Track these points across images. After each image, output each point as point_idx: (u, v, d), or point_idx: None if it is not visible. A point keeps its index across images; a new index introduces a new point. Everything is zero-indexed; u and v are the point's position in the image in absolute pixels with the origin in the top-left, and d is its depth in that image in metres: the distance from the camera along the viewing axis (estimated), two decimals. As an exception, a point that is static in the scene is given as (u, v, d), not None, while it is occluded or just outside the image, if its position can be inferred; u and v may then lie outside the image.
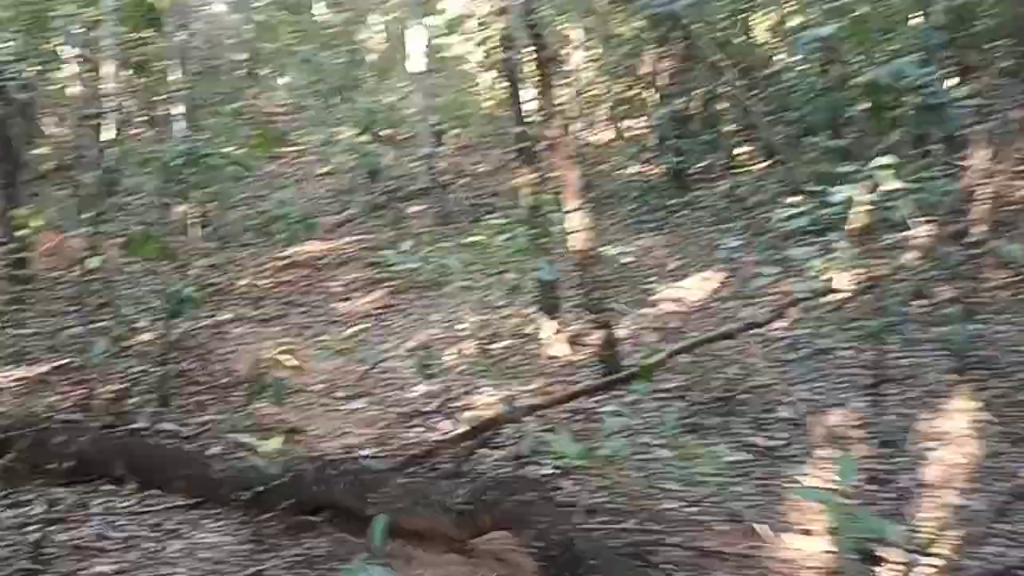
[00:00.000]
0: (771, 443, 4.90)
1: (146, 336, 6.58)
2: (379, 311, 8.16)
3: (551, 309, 6.52)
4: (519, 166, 6.44)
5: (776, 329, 6.24)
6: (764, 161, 10.76)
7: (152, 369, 5.86)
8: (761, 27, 13.64)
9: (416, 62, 11.31)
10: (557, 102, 5.37)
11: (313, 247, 9.99)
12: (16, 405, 5.54)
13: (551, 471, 4.74)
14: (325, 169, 15.59)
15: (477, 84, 14.76)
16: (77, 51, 12.93)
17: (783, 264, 8.00)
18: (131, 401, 5.63)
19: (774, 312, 4.51)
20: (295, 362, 5.74)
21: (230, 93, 16.68)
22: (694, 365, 5.79)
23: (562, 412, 5.50)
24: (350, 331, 4.53)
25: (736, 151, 11.06)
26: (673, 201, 10.12)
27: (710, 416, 5.19)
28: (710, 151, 11.03)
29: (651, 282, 8.29)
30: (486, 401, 5.77)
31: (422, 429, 5.44)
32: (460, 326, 7.18)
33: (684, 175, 10.98)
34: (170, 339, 5.68)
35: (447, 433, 5.13)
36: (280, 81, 23.82)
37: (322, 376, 6.47)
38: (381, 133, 10.70)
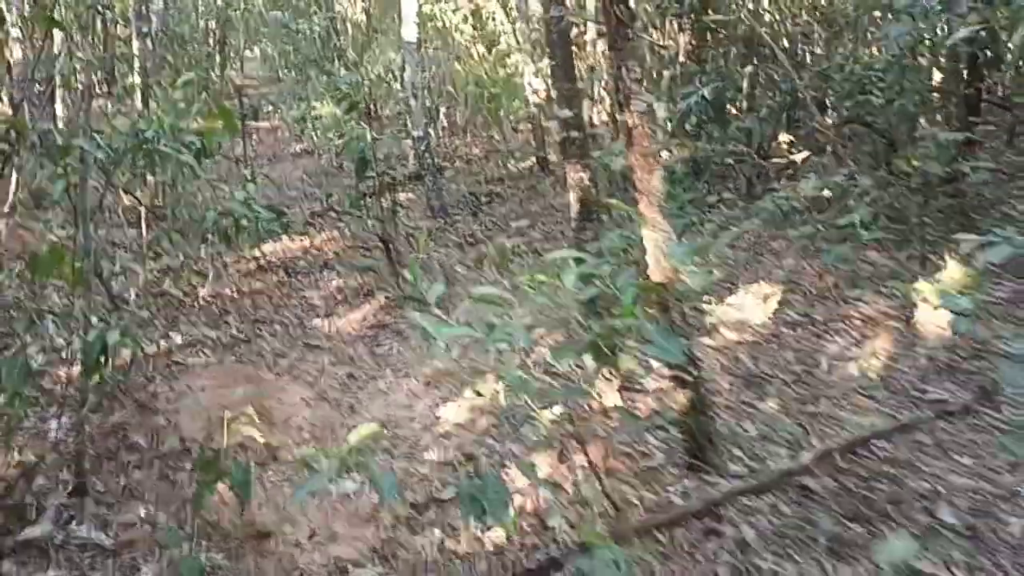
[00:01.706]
0: (945, 573, 3.34)
1: (68, 371, 4.92)
2: (370, 331, 6.47)
3: (599, 348, 4.88)
4: (566, 160, 4.76)
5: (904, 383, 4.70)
6: (808, 152, 9.17)
7: (70, 434, 4.18)
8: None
9: (409, 30, 9.54)
10: (635, 78, 3.70)
11: (288, 245, 8.26)
12: None
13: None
14: (299, 148, 13.84)
15: (492, 59, 12.97)
16: (18, 10, 10.99)
17: (878, 283, 6.47)
18: (37, 484, 3.93)
19: (979, 393, 2.96)
20: (262, 437, 4.08)
21: (195, 64, 14.78)
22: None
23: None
24: (359, 433, 2.77)
25: (777, 139, 9.44)
26: (710, 198, 8.49)
27: (853, 523, 3.61)
28: (743, 140, 9.40)
29: (698, 300, 6.66)
30: (524, 484, 4.15)
31: (439, 532, 3.80)
32: (481, 356, 5.54)
33: (711, 166, 9.34)
34: (89, 399, 3.97)
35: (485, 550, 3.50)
36: (252, 52, 21.84)
37: (302, 433, 4.81)
38: (366, 110, 8.95)
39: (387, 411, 5.10)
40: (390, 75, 12.56)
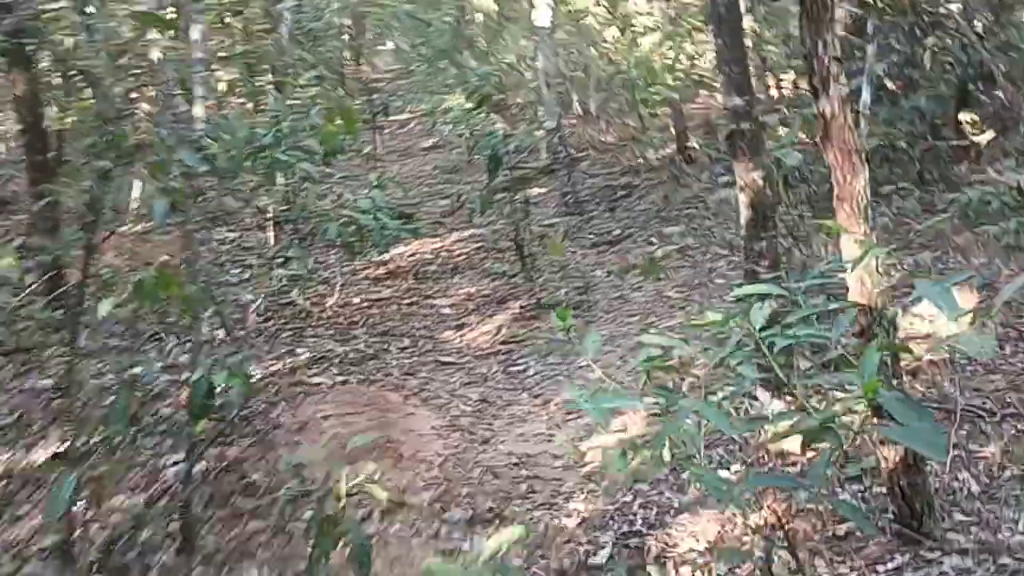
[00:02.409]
0: None
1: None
2: (504, 346, 5.86)
3: (776, 378, 4.08)
4: (735, 158, 3.94)
5: None
6: (993, 133, 7.95)
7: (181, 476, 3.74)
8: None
9: (542, 15, 8.85)
10: (835, 56, 2.89)
11: (417, 248, 7.75)
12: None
13: None
14: (430, 142, 13.39)
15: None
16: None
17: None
18: (143, 537, 3.50)
19: None
20: (388, 482, 3.52)
21: (329, 60, 14.57)
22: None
23: None
24: (498, 540, 2.12)
25: (957, 119, 8.24)
26: (883, 188, 7.42)
27: None
28: (916, 120, 8.24)
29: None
30: (692, 547, 3.43)
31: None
32: (634, 380, 4.85)
33: (882, 152, 8.22)
34: (195, 450, 3.50)
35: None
36: (384, 45, 21.68)
37: (431, 470, 4.24)
38: (497, 101, 8.35)
39: (525, 445, 4.46)
40: (522, 63, 11.93)
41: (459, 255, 7.73)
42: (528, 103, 12.11)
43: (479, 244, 7.91)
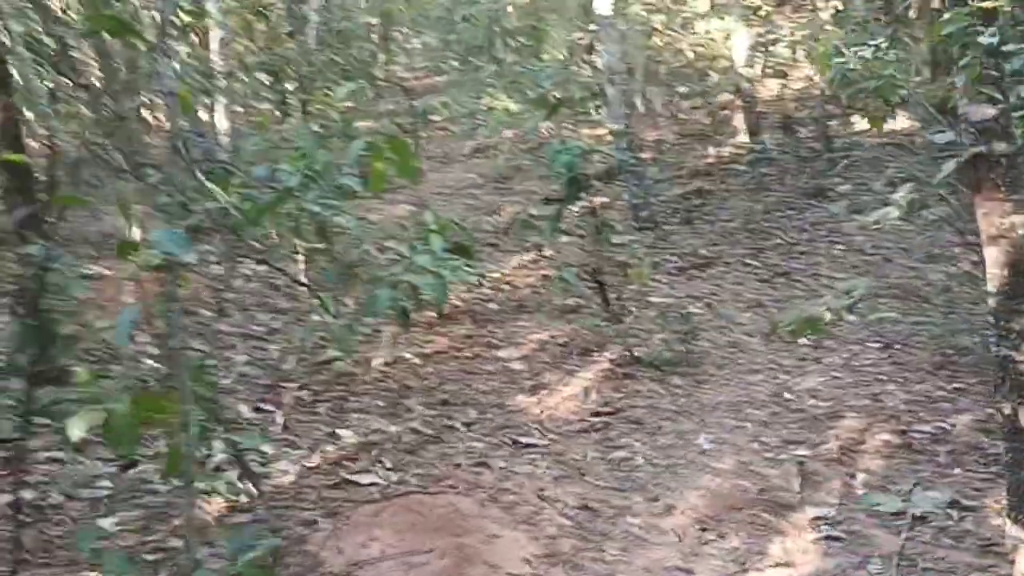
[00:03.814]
0: None
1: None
2: (596, 418, 4.58)
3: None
4: (979, 194, 2.60)
5: None
6: None
7: None
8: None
9: (602, 2, 7.53)
10: None
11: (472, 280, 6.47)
12: None
13: None
14: (471, 146, 12.10)
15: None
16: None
17: None
18: None
19: None
20: None
21: (359, 64, 13.36)
22: None
23: None
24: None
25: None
26: None
27: None
28: None
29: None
30: None
31: None
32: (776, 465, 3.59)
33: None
34: None
35: None
36: (411, 44, 20.43)
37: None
38: (554, 99, 7.10)
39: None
40: (575, 57, 10.65)
41: (522, 287, 6.46)
42: (580, 100, 10.79)
43: (544, 272, 6.63)
